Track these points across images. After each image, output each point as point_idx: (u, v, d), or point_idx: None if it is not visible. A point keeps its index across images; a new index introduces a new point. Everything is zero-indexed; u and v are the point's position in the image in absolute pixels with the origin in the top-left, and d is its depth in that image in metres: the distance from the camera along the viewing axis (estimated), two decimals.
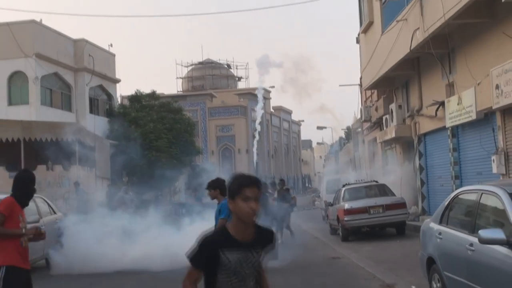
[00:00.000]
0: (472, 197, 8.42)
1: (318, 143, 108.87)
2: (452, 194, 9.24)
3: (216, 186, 9.86)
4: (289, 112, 74.81)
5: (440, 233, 8.93)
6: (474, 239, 7.38)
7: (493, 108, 15.55)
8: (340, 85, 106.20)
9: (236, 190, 3.81)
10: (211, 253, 3.79)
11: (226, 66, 64.60)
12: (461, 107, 17.62)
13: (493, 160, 16.01)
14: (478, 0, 14.91)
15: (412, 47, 19.20)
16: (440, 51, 19.13)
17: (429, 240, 9.37)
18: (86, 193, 26.51)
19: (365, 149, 36.67)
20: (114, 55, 40.92)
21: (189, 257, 3.84)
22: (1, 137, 28.38)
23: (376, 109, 29.45)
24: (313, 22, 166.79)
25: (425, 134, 22.86)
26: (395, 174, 25.38)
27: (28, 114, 31.78)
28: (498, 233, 6.88)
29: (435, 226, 9.28)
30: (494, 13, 15.57)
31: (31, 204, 15.67)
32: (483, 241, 7.05)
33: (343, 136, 58.23)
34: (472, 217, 8.12)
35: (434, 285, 9.05)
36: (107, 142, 34.79)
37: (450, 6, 15.90)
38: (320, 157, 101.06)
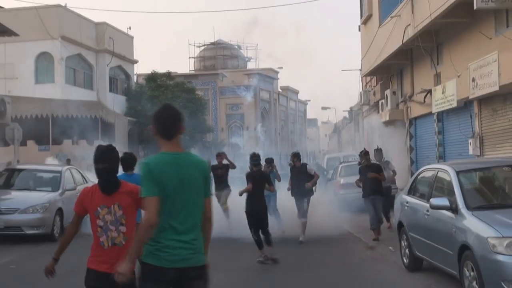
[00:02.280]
0: (431, 173, 10.83)
1: (323, 122, 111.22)
2: (418, 171, 11.69)
3: None
4: (296, 92, 76.60)
5: (407, 202, 11.34)
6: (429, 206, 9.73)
7: (470, 98, 17.92)
8: (342, 70, 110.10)
9: None
10: None
11: (236, 47, 66.19)
12: (445, 96, 19.93)
13: (470, 143, 18.39)
14: (460, 3, 17.07)
15: (404, 41, 21.49)
16: (429, 45, 21.35)
17: (399, 208, 11.78)
18: None
19: (364, 130, 38.83)
20: (132, 37, 42.89)
21: None
22: (31, 113, 30.82)
23: (374, 94, 31.54)
24: (321, 12, 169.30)
25: (415, 118, 25.01)
26: (388, 153, 27.55)
27: (54, 92, 34.00)
28: (444, 201, 9.16)
29: (404, 196, 11.71)
30: (474, 14, 17.53)
31: (67, 174, 17.82)
32: (433, 207, 9.40)
33: (347, 116, 60.25)
34: (430, 189, 10.51)
35: (403, 244, 11.44)
36: (125, 119, 37.22)
37: (436, 7, 18.14)
38: (326, 135, 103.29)
